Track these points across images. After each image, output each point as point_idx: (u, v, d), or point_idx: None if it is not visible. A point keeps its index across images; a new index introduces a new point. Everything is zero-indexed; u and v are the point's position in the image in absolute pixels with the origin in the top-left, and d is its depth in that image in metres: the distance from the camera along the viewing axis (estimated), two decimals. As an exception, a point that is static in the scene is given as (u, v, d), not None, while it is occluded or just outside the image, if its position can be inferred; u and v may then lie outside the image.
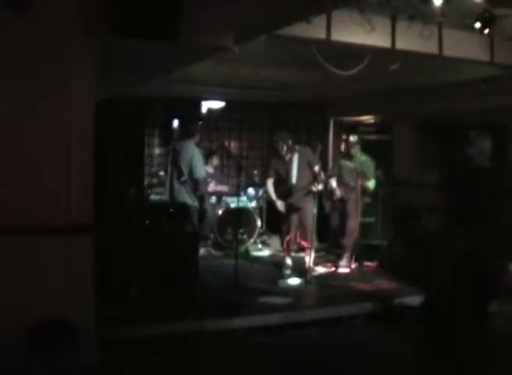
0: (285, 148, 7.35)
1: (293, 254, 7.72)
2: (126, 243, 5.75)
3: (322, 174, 7.52)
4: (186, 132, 7.47)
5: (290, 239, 7.50)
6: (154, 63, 6.46)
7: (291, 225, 7.39)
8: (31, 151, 4.16)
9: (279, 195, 7.46)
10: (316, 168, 7.30)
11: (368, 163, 8.24)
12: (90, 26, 4.25)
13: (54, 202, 4.21)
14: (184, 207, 6.96)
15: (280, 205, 7.39)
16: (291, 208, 7.31)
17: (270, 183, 7.58)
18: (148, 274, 5.69)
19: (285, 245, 7.64)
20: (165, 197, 8.03)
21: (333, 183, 8.16)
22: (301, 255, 7.58)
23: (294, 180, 7.31)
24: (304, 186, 7.29)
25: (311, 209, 7.29)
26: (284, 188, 7.39)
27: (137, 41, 4.35)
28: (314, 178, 7.24)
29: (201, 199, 7.05)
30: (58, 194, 4.23)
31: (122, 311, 5.24)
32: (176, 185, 7.08)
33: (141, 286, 5.62)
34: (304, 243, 7.46)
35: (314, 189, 7.22)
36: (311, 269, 7.22)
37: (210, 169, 9.51)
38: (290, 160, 7.37)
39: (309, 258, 7.26)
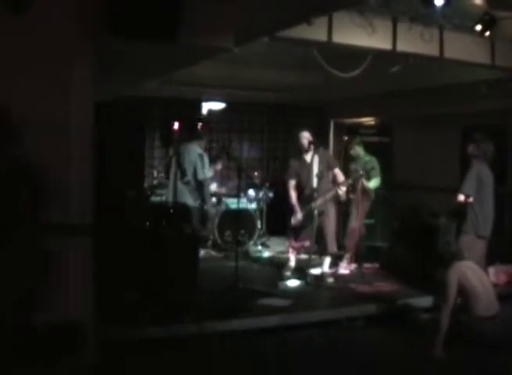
0: (306, 143, 7.11)
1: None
2: (125, 244, 5.74)
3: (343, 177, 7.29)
4: (190, 134, 7.48)
5: (301, 241, 7.25)
6: (153, 64, 6.46)
7: (308, 229, 7.05)
8: (30, 151, 4.15)
9: (300, 201, 7.13)
10: (336, 170, 7.22)
11: (372, 163, 8.21)
12: (89, 27, 4.25)
13: (53, 203, 4.20)
14: (185, 208, 6.97)
15: (300, 215, 7.04)
16: (312, 212, 6.94)
17: (292, 186, 7.20)
18: (148, 276, 5.68)
19: (293, 246, 7.44)
20: (167, 198, 8.02)
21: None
22: (302, 256, 7.55)
23: (315, 183, 7.01)
24: (326, 189, 7.05)
25: (332, 214, 7.22)
26: (306, 193, 7.08)
27: (136, 41, 4.35)
28: (334, 181, 7.15)
29: (203, 201, 7.04)
30: (57, 194, 4.22)
31: (121, 312, 5.23)
32: (180, 186, 7.09)
33: (140, 287, 5.61)
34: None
35: (340, 192, 7.09)
36: (327, 275, 7.23)
37: (211, 173, 9.53)
38: (311, 162, 7.13)
39: (326, 263, 7.26)
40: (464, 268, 5.11)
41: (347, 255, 7.98)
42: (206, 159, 7.07)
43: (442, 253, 5.32)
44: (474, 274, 5.10)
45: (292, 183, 7.23)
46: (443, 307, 5.02)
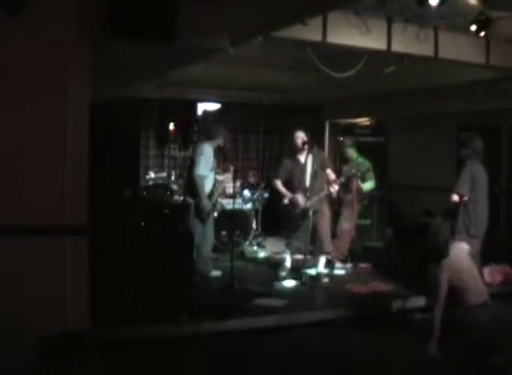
0: (301, 143, 7.13)
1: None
2: (121, 244, 5.74)
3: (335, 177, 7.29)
4: (206, 134, 7.51)
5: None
6: (150, 64, 6.47)
7: (302, 228, 7.06)
8: (26, 152, 4.16)
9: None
10: (328, 171, 7.23)
11: (366, 165, 8.22)
12: (86, 27, 4.25)
13: (49, 203, 4.20)
14: (181, 207, 7.01)
15: (302, 199, 7.00)
16: (306, 212, 6.97)
17: (279, 183, 7.27)
18: (143, 276, 5.67)
19: (289, 246, 7.46)
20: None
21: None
22: (298, 256, 7.55)
23: (308, 183, 7.06)
24: (320, 189, 7.07)
25: (327, 213, 7.25)
26: (300, 191, 7.08)
27: (133, 41, 4.35)
28: (328, 181, 7.16)
29: (198, 197, 7.04)
30: (53, 194, 4.23)
31: (118, 312, 5.22)
32: (188, 184, 7.21)
33: (136, 288, 5.60)
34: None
35: (333, 191, 7.12)
36: (322, 275, 7.23)
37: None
38: (305, 162, 7.14)
39: (321, 263, 7.26)
40: (451, 264, 5.10)
41: (333, 254, 7.88)
42: (206, 158, 7.09)
43: (432, 251, 5.32)
44: (461, 266, 5.10)
45: (278, 183, 7.28)
46: (435, 306, 5.02)
